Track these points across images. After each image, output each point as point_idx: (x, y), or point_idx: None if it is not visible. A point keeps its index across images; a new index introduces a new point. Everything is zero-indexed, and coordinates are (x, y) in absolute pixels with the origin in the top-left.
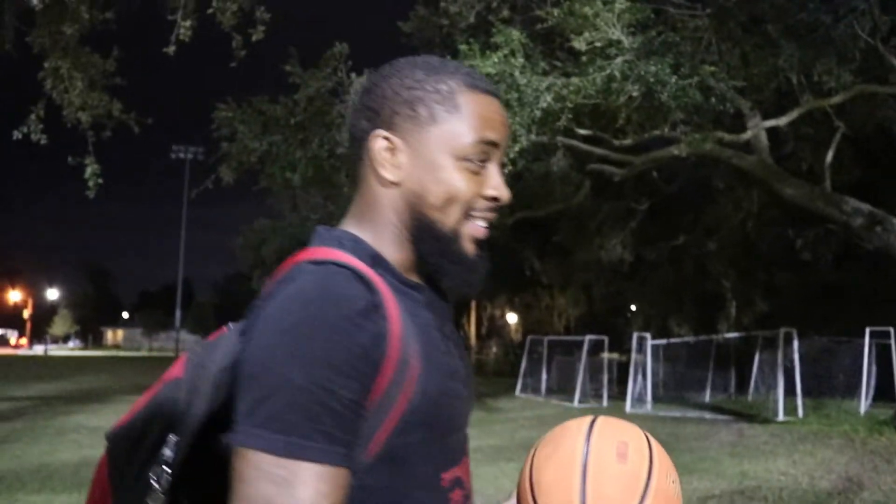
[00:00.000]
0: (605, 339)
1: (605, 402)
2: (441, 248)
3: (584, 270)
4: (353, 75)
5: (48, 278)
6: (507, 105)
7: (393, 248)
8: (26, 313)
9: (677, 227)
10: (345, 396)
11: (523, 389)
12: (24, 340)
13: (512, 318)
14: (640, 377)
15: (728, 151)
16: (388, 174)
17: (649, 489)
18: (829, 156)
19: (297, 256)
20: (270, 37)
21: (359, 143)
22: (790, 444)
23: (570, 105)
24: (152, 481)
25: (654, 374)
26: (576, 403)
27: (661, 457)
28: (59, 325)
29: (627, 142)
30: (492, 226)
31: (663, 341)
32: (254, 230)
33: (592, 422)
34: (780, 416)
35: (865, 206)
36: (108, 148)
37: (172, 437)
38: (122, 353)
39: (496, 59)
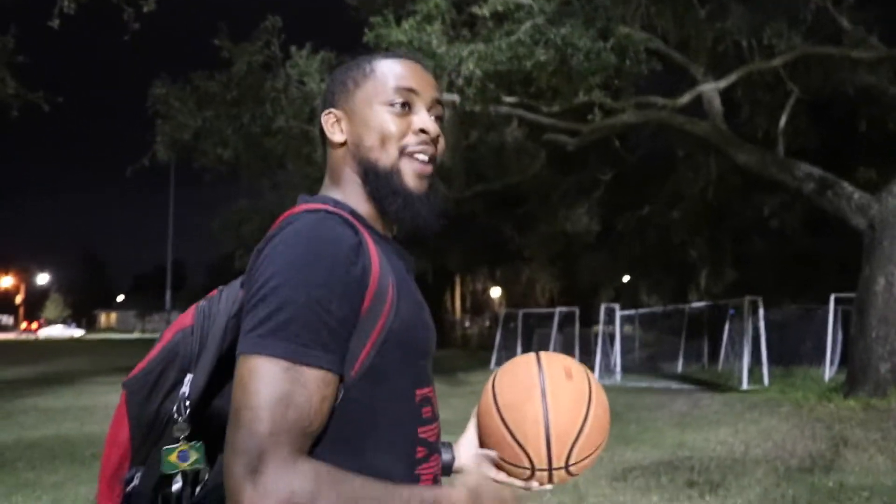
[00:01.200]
0: (577, 310)
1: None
2: (383, 182)
3: (551, 242)
4: (293, 49)
5: (39, 263)
6: None
7: (361, 203)
8: (18, 298)
9: (643, 197)
10: (339, 315)
11: (498, 362)
12: (34, 325)
13: (496, 292)
14: (609, 348)
15: (680, 118)
16: (336, 138)
17: (592, 399)
18: (783, 121)
19: (292, 210)
20: (220, 12)
21: (321, 131)
22: (739, 413)
23: (479, 72)
24: (175, 415)
25: (626, 344)
26: None
27: (593, 377)
28: (51, 310)
29: (556, 109)
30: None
31: (632, 311)
32: (233, 211)
33: (538, 355)
34: (745, 385)
35: (817, 171)
36: (99, 131)
37: (188, 377)
38: (114, 336)
39: (407, 27)
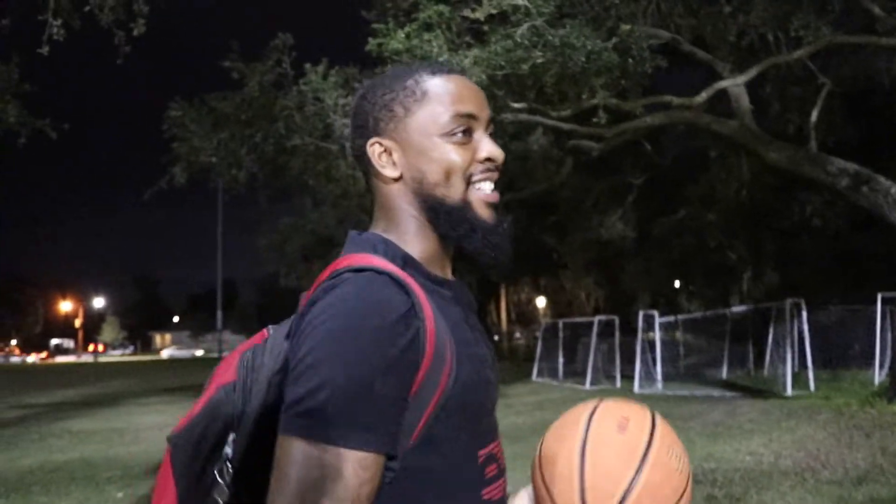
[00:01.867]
0: (616, 319)
1: (617, 384)
2: (455, 219)
3: (585, 250)
4: (308, 66)
5: (95, 287)
6: None
7: (417, 242)
8: (77, 322)
9: (678, 200)
10: (383, 393)
11: (539, 374)
12: (100, 348)
13: (541, 301)
14: (649, 356)
15: (707, 117)
16: (389, 172)
17: (647, 459)
18: (815, 115)
19: (337, 264)
20: (232, 30)
21: (361, 159)
22: (777, 420)
23: (484, 78)
24: (217, 477)
25: (669, 351)
26: (587, 386)
27: (665, 431)
28: (108, 332)
29: (566, 112)
30: (502, 192)
31: (671, 318)
32: (277, 230)
33: (599, 401)
34: (789, 391)
35: (851, 166)
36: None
37: (231, 436)
38: (167, 357)
39: (404, 35)
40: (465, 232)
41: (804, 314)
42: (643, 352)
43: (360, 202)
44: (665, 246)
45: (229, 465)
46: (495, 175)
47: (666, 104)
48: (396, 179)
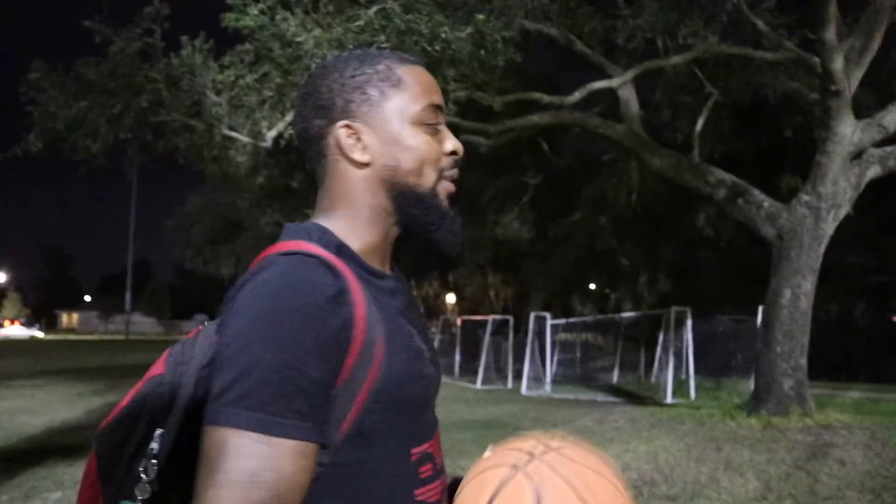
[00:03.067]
0: (511, 319)
1: (509, 384)
2: (425, 207)
3: (480, 248)
4: (185, 38)
5: None
6: (280, 66)
7: (363, 232)
8: None
9: (574, 202)
10: (315, 377)
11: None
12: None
13: (451, 297)
14: (538, 358)
15: (595, 120)
16: (359, 156)
17: None
18: (700, 124)
19: (267, 250)
20: None
21: (317, 142)
22: (640, 430)
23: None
24: (140, 473)
25: (564, 354)
26: (478, 385)
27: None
28: (8, 309)
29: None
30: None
31: (561, 321)
32: (184, 211)
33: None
34: (669, 399)
35: (729, 177)
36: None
37: (158, 432)
38: (73, 337)
39: (256, 12)
40: (435, 220)
41: (688, 323)
42: (532, 354)
43: (253, 186)
44: (560, 248)
45: (154, 462)
46: (457, 170)
47: (536, 101)
48: (365, 165)
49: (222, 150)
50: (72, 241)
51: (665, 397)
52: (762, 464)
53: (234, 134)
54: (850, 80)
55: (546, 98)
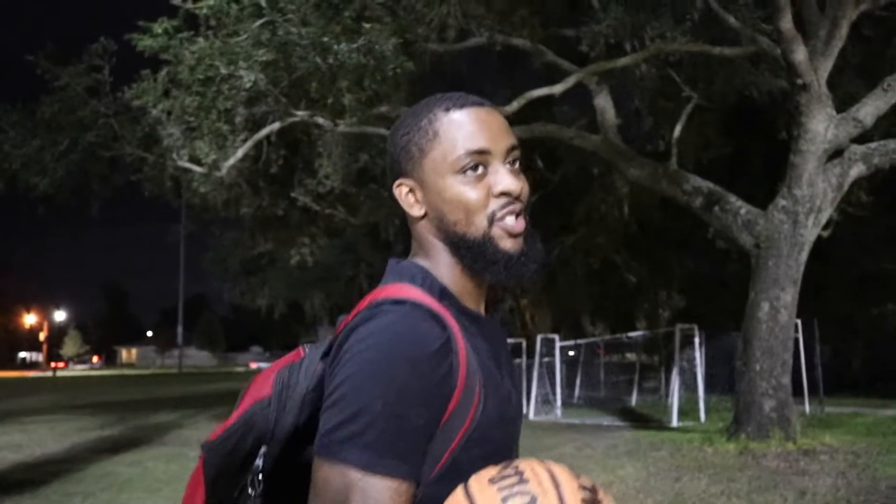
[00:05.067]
0: (523, 342)
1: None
2: (476, 254)
3: None
4: (145, 72)
5: (61, 300)
6: (188, 89)
7: (451, 274)
8: (42, 336)
9: (574, 220)
10: (417, 424)
11: None
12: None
13: None
14: (547, 382)
15: (569, 132)
16: (415, 212)
17: None
18: (678, 130)
19: (376, 294)
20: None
21: (393, 197)
22: (610, 458)
23: (262, 81)
24: (248, 489)
25: (573, 377)
26: None
27: None
28: (69, 346)
29: (353, 121)
30: (523, 214)
31: (571, 342)
32: (220, 245)
33: None
34: (675, 422)
35: (706, 185)
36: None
37: (263, 449)
38: (129, 372)
39: (160, 31)
40: (485, 266)
41: (696, 340)
42: (541, 377)
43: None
44: (566, 267)
45: (259, 477)
46: (517, 206)
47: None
48: (422, 217)
49: (184, 182)
50: (133, 277)
51: (671, 420)
52: (714, 495)
53: (187, 165)
54: (817, 72)
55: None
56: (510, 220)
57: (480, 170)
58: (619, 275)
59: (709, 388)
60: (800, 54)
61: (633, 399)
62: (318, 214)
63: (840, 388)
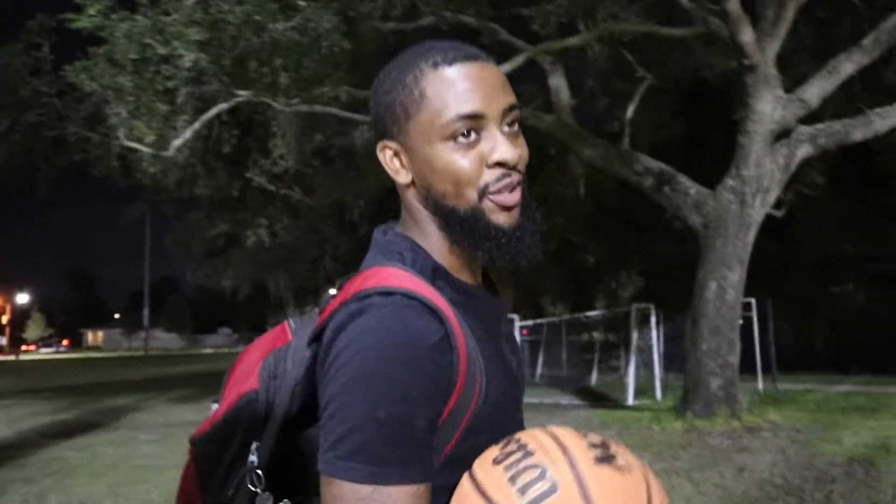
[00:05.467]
0: None
1: None
2: (467, 230)
3: None
4: (93, 49)
5: (26, 283)
6: (122, 68)
7: (443, 246)
8: (4, 319)
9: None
10: (423, 426)
11: None
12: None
13: None
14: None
15: (524, 111)
16: (401, 178)
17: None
18: (630, 110)
19: (364, 279)
20: None
21: (378, 158)
22: None
23: (205, 61)
24: (250, 487)
25: (530, 356)
26: None
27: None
28: (32, 329)
29: (296, 101)
30: (520, 185)
31: (529, 322)
32: (183, 228)
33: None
34: (631, 401)
35: (657, 165)
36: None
37: (255, 445)
38: (95, 355)
39: (93, 12)
40: (476, 241)
41: (652, 320)
42: None
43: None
44: None
45: (258, 473)
46: (514, 178)
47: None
48: (409, 185)
49: (131, 161)
50: (103, 261)
51: (627, 399)
52: (655, 474)
53: (132, 144)
54: (764, 53)
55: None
56: (505, 194)
57: (473, 136)
58: (578, 255)
59: (668, 367)
60: (746, 35)
61: (594, 378)
62: (276, 195)
63: (801, 365)
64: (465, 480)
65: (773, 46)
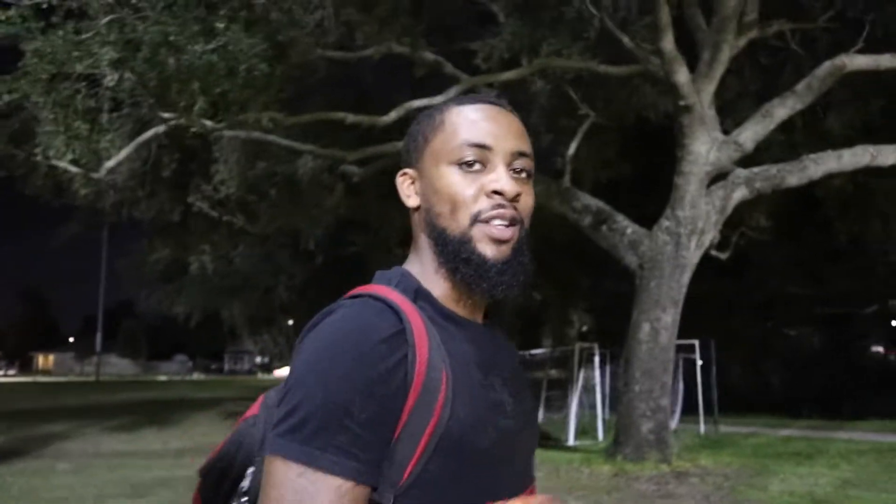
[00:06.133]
0: None
1: None
2: (453, 251)
3: None
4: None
5: None
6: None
7: (438, 277)
8: None
9: None
10: (362, 417)
11: None
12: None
13: None
14: None
15: None
16: (410, 202)
17: None
18: (573, 147)
19: (350, 293)
20: None
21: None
22: None
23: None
24: None
25: None
26: None
27: None
28: None
29: (221, 125)
30: (516, 225)
31: None
32: (137, 253)
33: None
34: (571, 441)
35: (595, 203)
36: None
37: (249, 470)
38: (43, 380)
39: (3, 18)
40: (458, 264)
41: (596, 359)
42: None
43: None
44: None
45: (245, 499)
46: (509, 212)
47: (340, 121)
48: (416, 209)
49: (63, 181)
50: (59, 282)
51: (568, 439)
52: None
53: (60, 164)
54: (700, 94)
55: (351, 118)
56: (496, 224)
57: (478, 167)
58: (525, 291)
59: (614, 406)
60: (681, 75)
61: (541, 417)
62: (219, 221)
63: (753, 407)
64: None
65: (709, 88)
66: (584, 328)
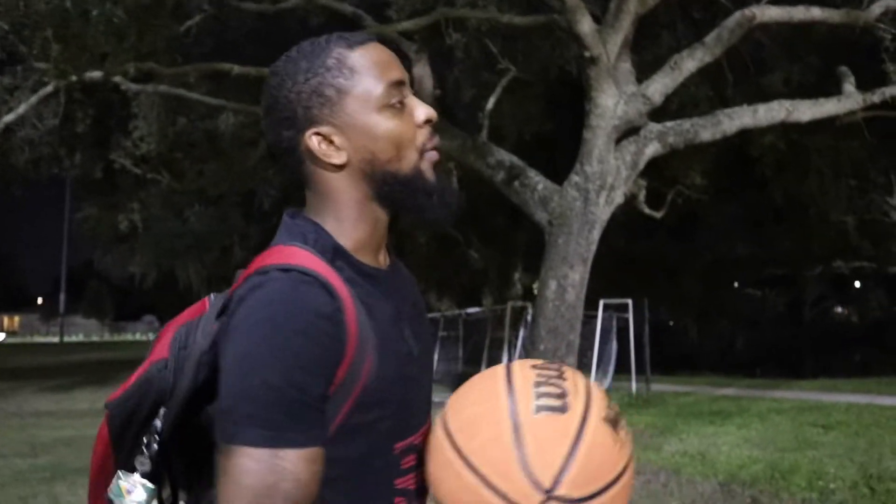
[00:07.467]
0: None
1: None
2: (411, 189)
3: None
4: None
5: None
6: None
7: (354, 229)
8: None
9: None
10: (316, 393)
11: None
12: None
13: None
14: None
15: None
16: (335, 160)
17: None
18: (491, 102)
19: (266, 256)
20: None
21: (291, 153)
22: None
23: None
24: (143, 447)
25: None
26: None
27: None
28: None
29: (96, 74)
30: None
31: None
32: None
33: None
34: None
35: (509, 158)
36: None
37: (162, 410)
38: (7, 340)
39: None
40: (423, 200)
41: (528, 317)
42: None
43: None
44: (408, 241)
45: (157, 437)
46: (436, 136)
47: (225, 73)
48: (342, 166)
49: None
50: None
51: None
52: None
53: None
54: (606, 45)
55: (237, 69)
56: (433, 151)
57: (401, 102)
58: (460, 249)
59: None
60: (584, 25)
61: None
62: (146, 179)
63: (710, 368)
64: (500, 366)
65: (616, 39)
66: (519, 288)
